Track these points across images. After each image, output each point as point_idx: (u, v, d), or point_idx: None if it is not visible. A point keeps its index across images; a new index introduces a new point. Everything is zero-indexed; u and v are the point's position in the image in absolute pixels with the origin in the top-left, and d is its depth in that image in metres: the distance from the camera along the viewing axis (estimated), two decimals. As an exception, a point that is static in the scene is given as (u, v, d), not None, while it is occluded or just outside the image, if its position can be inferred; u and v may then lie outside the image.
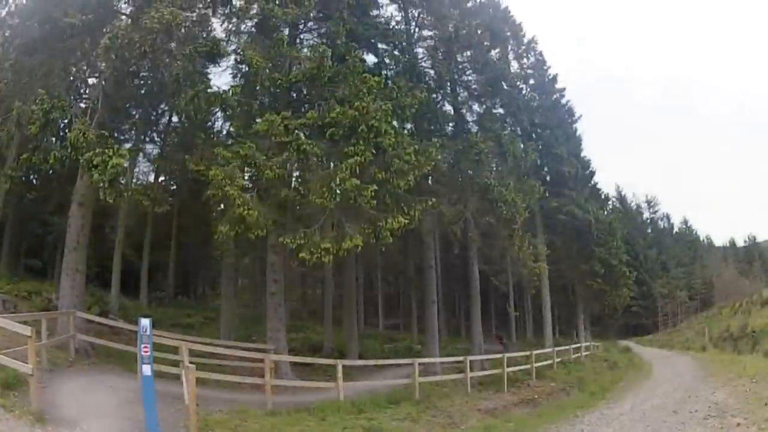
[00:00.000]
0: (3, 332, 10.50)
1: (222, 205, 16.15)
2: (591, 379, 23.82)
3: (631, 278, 39.99)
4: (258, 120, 15.51)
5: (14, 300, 18.63)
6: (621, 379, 26.04)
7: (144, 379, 8.67)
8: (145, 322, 8.66)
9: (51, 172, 20.25)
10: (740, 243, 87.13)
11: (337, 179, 13.96)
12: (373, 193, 14.24)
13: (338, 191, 14.05)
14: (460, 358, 19.48)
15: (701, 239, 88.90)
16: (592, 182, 40.74)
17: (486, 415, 15.13)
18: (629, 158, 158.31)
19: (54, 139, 15.44)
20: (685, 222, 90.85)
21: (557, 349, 27.09)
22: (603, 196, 46.58)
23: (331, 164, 15.30)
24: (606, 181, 67.41)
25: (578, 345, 31.73)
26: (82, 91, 18.33)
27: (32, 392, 9.06)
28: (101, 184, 13.85)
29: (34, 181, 31.63)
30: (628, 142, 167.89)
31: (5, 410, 8.60)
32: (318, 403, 13.31)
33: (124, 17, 15.91)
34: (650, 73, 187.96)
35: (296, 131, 14.66)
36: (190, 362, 9.38)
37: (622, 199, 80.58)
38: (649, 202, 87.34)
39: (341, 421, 11.95)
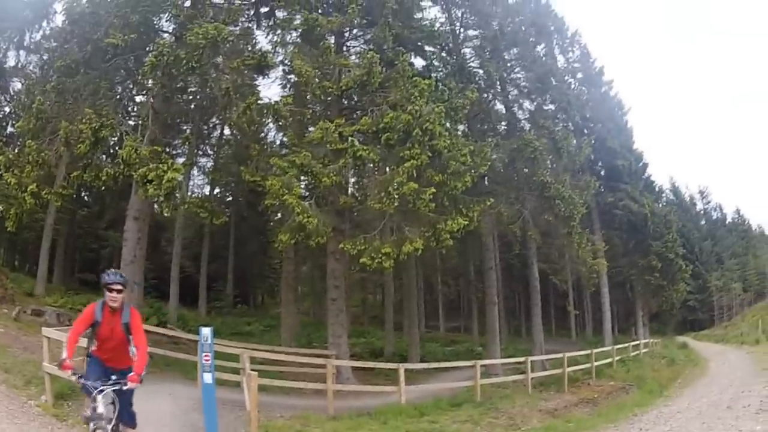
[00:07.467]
0: (58, 344, 10.42)
1: (280, 214, 16.37)
2: (649, 377, 23.32)
3: (688, 272, 38.92)
4: (311, 129, 15.63)
5: (69, 313, 18.94)
6: (678, 376, 25.51)
7: (205, 386, 8.70)
8: (206, 330, 8.73)
9: (103, 188, 20.88)
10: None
11: (395, 183, 13.80)
12: (431, 196, 14.11)
13: (396, 195, 13.85)
14: (521, 359, 19.25)
15: (753, 229, 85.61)
16: (646, 175, 40.05)
17: (547, 415, 14.83)
18: (679, 147, 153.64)
19: (105, 156, 15.68)
20: (738, 212, 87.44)
21: (617, 347, 26.61)
22: (657, 189, 45.74)
23: (388, 169, 15.32)
24: (658, 173, 65.66)
25: (637, 342, 30.99)
26: (130, 108, 18.66)
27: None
28: (157, 199, 14.16)
29: (86, 197, 32.80)
30: (677, 130, 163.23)
31: (58, 420, 8.75)
32: (380, 407, 13.28)
33: (166, 35, 16.18)
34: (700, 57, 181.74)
35: (351, 138, 14.60)
36: (252, 369, 9.40)
37: (675, 190, 77.95)
38: (701, 193, 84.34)
39: (403, 424, 11.83)
